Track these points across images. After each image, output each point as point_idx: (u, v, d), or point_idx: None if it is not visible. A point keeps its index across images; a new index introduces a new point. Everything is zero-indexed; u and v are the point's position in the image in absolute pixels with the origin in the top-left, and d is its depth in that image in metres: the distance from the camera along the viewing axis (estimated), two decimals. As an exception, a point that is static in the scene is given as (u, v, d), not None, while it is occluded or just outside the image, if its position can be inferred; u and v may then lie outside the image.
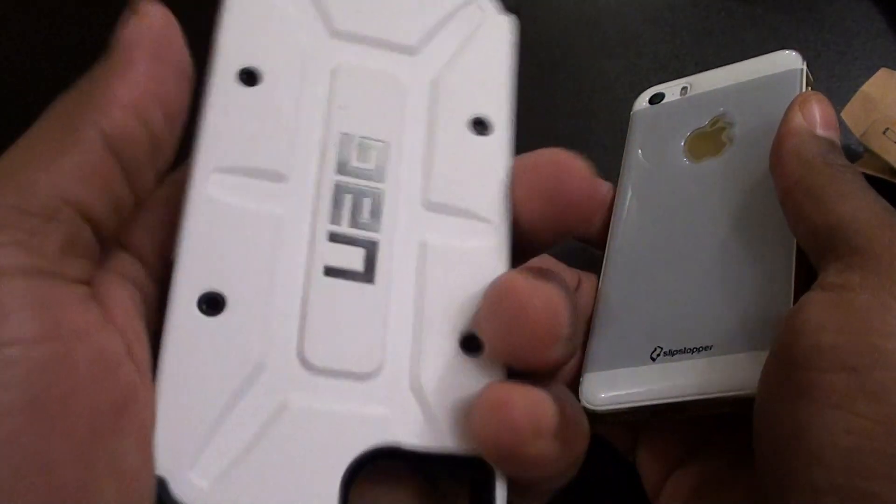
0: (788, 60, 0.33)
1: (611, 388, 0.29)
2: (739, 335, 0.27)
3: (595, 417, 0.29)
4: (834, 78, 0.42)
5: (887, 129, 0.37)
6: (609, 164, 0.41)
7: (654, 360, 0.28)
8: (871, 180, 0.38)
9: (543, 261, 0.31)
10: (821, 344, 0.22)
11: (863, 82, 0.39)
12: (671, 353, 0.28)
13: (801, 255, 0.27)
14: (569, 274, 0.32)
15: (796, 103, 0.28)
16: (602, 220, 0.33)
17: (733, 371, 0.26)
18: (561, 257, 0.32)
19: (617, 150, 0.43)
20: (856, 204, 0.24)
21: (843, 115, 0.38)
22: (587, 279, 0.32)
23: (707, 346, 0.27)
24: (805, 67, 0.32)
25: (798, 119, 0.28)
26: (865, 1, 0.44)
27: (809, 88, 0.32)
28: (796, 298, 0.26)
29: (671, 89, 0.35)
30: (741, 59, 0.43)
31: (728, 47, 0.44)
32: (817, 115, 0.28)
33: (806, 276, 0.27)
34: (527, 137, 0.42)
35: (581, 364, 0.30)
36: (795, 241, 0.28)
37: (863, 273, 0.23)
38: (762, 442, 0.24)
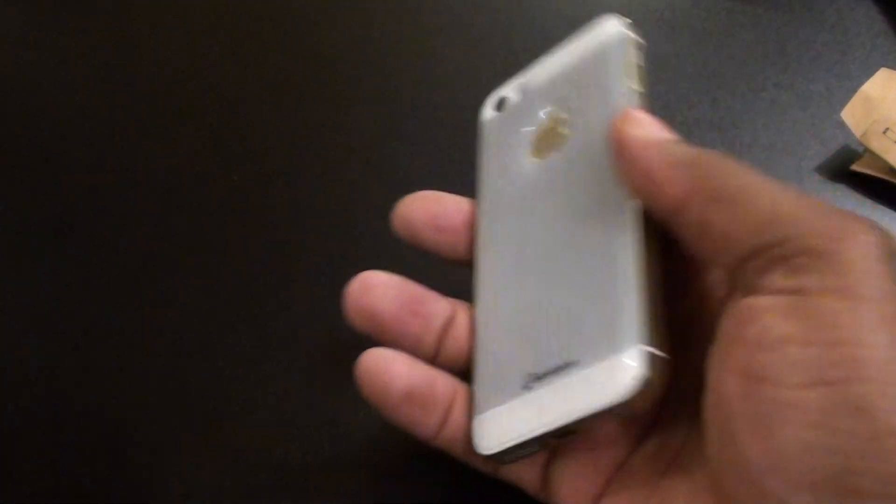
0: (606, 29, 0.30)
1: (495, 428, 0.27)
2: (600, 342, 0.25)
3: (490, 461, 0.28)
4: (834, 78, 0.42)
5: (887, 129, 0.37)
6: (609, 164, 0.41)
7: (529, 388, 0.27)
8: (872, 180, 0.38)
9: (409, 289, 0.30)
10: (790, 358, 0.20)
11: (863, 82, 0.39)
12: (541, 377, 0.26)
13: (649, 240, 0.26)
14: (441, 304, 0.30)
15: (619, 118, 0.26)
16: (468, 239, 0.31)
17: (602, 381, 0.24)
18: (435, 285, 0.30)
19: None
20: (776, 197, 0.22)
21: (843, 115, 0.38)
22: (463, 310, 0.30)
23: (573, 362, 0.26)
24: (629, 32, 0.29)
25: (637, 130, 0.26)
26: (865, 1, 0.44)
27: (639, 54, 0.29)
28: (647, 288, 0.25)
29: (511, 90, 0.33)
30: (741, 59, 0.43)
31: (728, 47, 0.44)
32: (652, 121, 0.26)
33: (655, 262, 0.26)
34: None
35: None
36: (636, 227, 0.26)
37: (819, 274, 0.21)
38: (728, 473, 0.22)
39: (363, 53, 0.46)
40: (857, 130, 0.38)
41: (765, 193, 0.23)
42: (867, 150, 0.38)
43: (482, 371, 0.29)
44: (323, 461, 0.34)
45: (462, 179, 0.34)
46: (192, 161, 0.43)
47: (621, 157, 0.26)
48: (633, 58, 0.29)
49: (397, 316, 0.29)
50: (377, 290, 0.29)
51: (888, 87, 0.38)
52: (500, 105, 0.33)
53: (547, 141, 0.30)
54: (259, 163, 0.43)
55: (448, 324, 0.30)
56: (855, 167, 0.39)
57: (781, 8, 0.44)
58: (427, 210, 0.31)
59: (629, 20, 0.29)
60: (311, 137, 0.43)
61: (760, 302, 0.22)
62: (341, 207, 0.41)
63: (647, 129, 0.26)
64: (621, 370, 0.24)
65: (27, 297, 0.40)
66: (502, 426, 0.27)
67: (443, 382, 0.29)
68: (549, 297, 0.27)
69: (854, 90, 0.38)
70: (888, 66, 0.39)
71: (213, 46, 0.48)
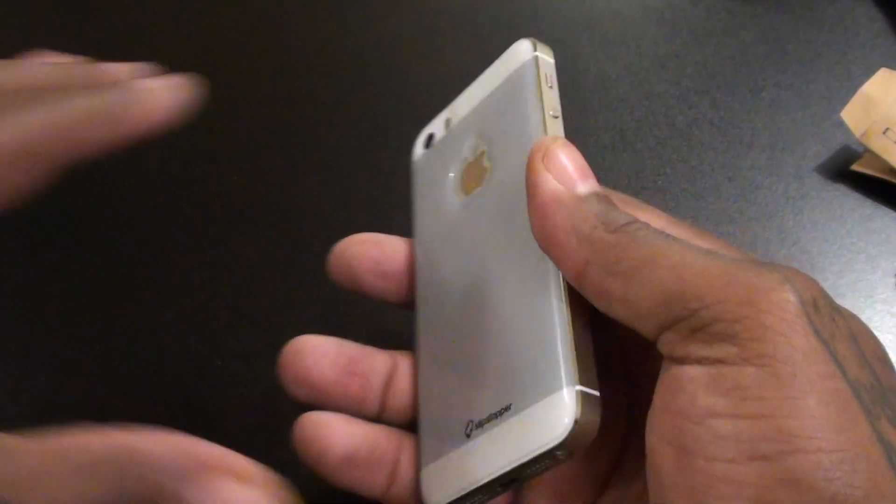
0: (519, 53, 0.28)
1: (441, 480, 0.26)
2: (531, 385, 0.24)
3: None
4: (834, 78, 0.42)
5: (887, 129, 0.37)
6: (609, 164, 0.41)
7: (468, 436, 0.26)
8: (871, 180, 0.38)
9: (345, 350, 0.29)
10: (718, 432, 0.20)
11: (863, 82, 0.39)
12: (480, 424, 0.25)
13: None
14: (380, 359, 0.29)
15: (538, 157, 0.24)
16: (412, 283, 0.30)
17: (536, 424, 0.24)
18: (376, 335, 0.30)
19: (617, 149, 0.43)
20: (679, 262, 0.21)
21: (843, 115, 0.38)
22: (404, 361, 0.29)
23: (507, 407, 0.25)
24: (538, 55, 0.28)
25: (551, 182, 0.24)
26: (865, 1, 0.44)
27: (546, 76, 0.27)
28: (574, 328, 0.24)
29: (437, 125, 0.32)
30: (741, 59, 0.43)
31: (728, 47, 0.44)
32: (568, 167, 0.24)
33: (583, 301, 0.25)
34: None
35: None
36: (561, 280, 0.25)
37: (737, 343, 0.20)
38: None
39: (364, 53, 0.46)
40: (857, 130, 0.38)
41: (664, 263, 0.21)
42: (867, 150, 0.38)
43: (426, 422, 0.28)
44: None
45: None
46: (191, 160, 0.43)
47: (531, 208, 0.24)
48: (545, 81, 0.27)
49: (335, 380, 0.28)
50: (311, 357, 0.28)
51: (888, 87, 0.38)
52: (429, 142, 0.32)
53: (471, 175, 0.29)
54: (259, 161, 0.43)
55: (389, 378, 0.29)
56: (855, 167, 0.39)
57: (781, 8, 0.44)
58: (368, 255, 0.30)
59: (545, 44, 0.28)
60: (312, 137, 0.43)
61: (685, 372, 0.21)
62: (340, 205, 0.41)
63: (561, 175, 0.24)
64: (555, 411, 0.23)
65: (25, 295, 0.40)
66: (448, 478, 0.26)
67: (385, 440, 0.28)
68: (483, 343, 0.27)
69: (854, 90, 0.38)
70: (888, 66, 0.39)
71: (213, 45, 0.48)
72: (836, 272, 0.37)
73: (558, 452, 0.23)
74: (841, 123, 0.39)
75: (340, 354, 0.28)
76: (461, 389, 0.27)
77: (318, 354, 0.28)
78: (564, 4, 0.46)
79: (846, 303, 0.37)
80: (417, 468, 0.27)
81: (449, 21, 0.47)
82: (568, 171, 0.24)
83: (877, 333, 0.36)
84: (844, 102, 0.38)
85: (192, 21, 0.49)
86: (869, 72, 0.39)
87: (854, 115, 0.38)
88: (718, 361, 0.20)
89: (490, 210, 0.28)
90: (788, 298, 0.20)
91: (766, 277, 0.20)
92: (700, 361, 0.20)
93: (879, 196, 0.39)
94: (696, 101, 0.42)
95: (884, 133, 0.37)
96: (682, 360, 0.21)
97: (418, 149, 0.33)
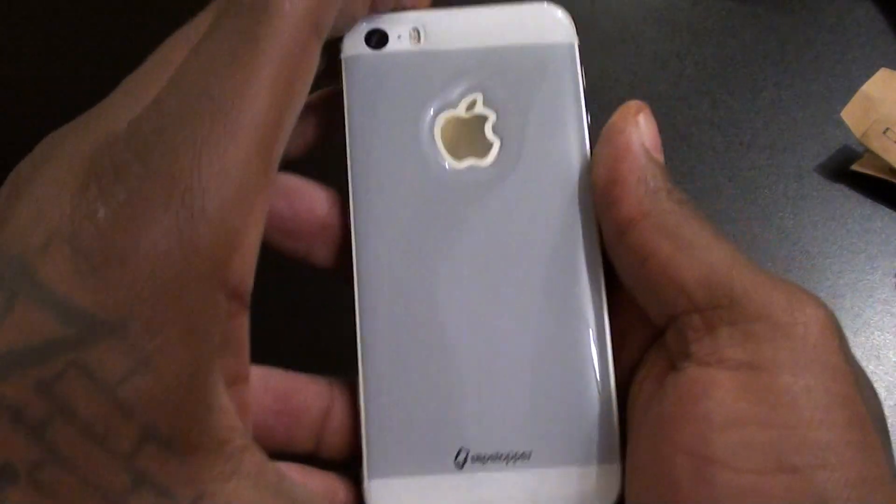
0: (555, 27, 0.25)
1: (412, 500, 0.23)
2: (560, 441, 0.23)
3: None
4: (834, 78, 0.42)
5: (887, 129, 0.37)
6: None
7: (460, 466, 0.23)
8: (871, 180, 0.38)
9: (272, 383, 0.24)
10: (748, 440, 0.19)
11: (863, 82, 0.39)
12: (480, 459, 0.23)
13: (612, 319, 0.24)
14: (314, 392, 0.24)
15: (630, 112, 0.24)
16: (332, 242, 0.25)
17: (572, 487, 0.23)
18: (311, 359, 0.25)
19: (617, 149, 0.43)
20: (727, 255, 0.21)
21: (843, 115, 0.38)
22: (340, 392, 0.24)
23: (523, 454, 0.23)
24: (577, 42, 0.25)
25: (637, 136, 0.23)
26: (865, 1, 0.44)
27: (583, 69, 0.25)
28: (617, 392, 0.23)
29: (397, 29, 0.25)
30: (741, 59, 0.43)
31: (728, 47, 0.44)
32: (648, 135, 0.23)
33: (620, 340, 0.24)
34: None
35: (362, 463, 0.23)
36: (605, 307, 0.23)
37: (772, 347, 0.20)
38: None
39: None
40: (857, 130, 0.38)
41: (720, 248, 0.21)
42: (867, 150, 0.38)
43: (385, 426, 0.24)
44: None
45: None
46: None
47: (608, 147, 0.23)
48: (582, 80, 0.25)
49: (259, 423, 0.23)
50: None
51: (888, 87, 0.38)
52: (377, 42, 0.25)
53: (466, 136, 0.25)
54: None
55: (325, 414, 0.24)
56: (855, 167, 0.39)
57: (781, 8, 0.44)
58: (273, 210, 0.24)
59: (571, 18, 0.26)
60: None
61: (711, 375, 0.20)
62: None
63: (645, 136, 0.23)
64: (603, 484, 0.22)
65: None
66: (424, 502, 0.23)
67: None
68: (494, 359, 0.23)
69: (854, 90, 0.38)
70: (888, 66, 0.39)
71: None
72: (836, 272, 0.37)
73: None
74: (841, 123, 0.39)
75: (266, 390, 0.24)
76: (451, 408, 0.23)
77: None
78: (564, 4, 0.46)
79: (846, 303, 0.37)
80: (362, 476, 0.24)
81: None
82: (652, 136, 0.23)
83: (877, 333, 0.36)
84: (844, 102, 0.38)
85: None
86: (869, 72, 0.39)
87: (854, 115, 0.38)
88: (751, 365, 0.20)
89: (506, 201, 0.24)
90: (829, 318, 0.20)
91: (806, 294, 0.20)
92: (728, 364, 0.20)
93: (879, 196, 0.39)
94: (696, 101, 0.42)
95: (884, 133, 0.37)
96: (706, 363, 0.20)
97: (356, 42, 0.25)
